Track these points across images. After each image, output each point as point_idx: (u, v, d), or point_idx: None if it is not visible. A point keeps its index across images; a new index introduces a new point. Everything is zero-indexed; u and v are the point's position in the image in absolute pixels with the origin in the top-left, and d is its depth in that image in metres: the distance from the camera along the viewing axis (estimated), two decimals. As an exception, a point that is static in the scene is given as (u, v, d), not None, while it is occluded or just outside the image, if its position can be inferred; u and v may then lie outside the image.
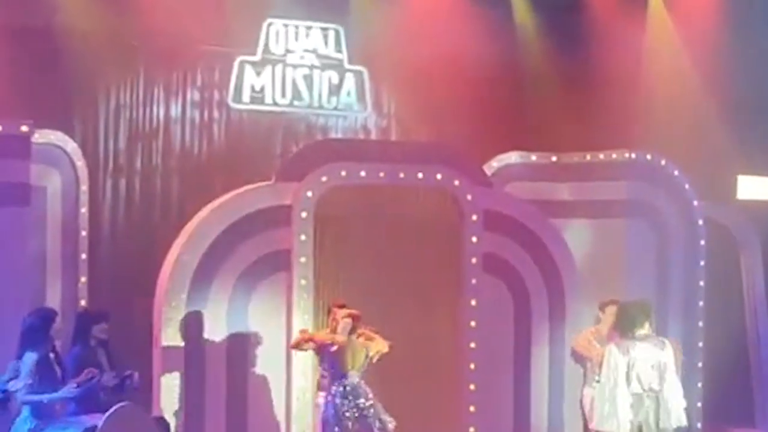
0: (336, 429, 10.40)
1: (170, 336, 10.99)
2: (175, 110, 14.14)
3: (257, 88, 14.37)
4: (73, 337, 10.40)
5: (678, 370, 10.64)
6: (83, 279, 12.77)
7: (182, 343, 11.03)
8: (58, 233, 12.66)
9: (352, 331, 10.55)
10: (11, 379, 9.18)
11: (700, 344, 13.30)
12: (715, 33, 15.12)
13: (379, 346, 10.62)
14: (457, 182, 11.95)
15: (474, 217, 11.99)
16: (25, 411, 9.50)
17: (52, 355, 9.69)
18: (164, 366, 10.98)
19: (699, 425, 13.22)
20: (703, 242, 13.35)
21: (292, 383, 11.34)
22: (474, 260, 11.98)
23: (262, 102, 14.40)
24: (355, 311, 10.65)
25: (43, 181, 12.46)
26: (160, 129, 14.07)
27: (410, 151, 12.24)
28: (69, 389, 9.36)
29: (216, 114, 14.32)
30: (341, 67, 14.72)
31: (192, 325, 11.06)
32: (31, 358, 9.43)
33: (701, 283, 13.32)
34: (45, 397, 9.37)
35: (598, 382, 10.57)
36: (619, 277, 12.21)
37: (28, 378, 9.28)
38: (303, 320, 11.31)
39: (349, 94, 14.78)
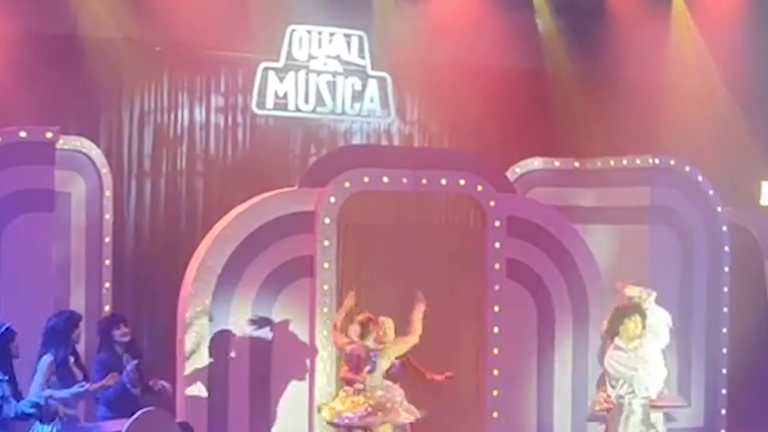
0: None
1: (194, 341, 11.01)
2: (198, 116, 14.20)
3: (280, 94, 14.40)
4: (99, 344, 10.47)
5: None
6: (107, 285, 12.83)
7: (206, 348, 11.04)
8: (83, 239, 12.73)
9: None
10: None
11: (724, 350, 13.26)
12: (739, 37, 15.09)
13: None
14: (480, 188, 11.95)
15: (497, 223, 11.97)
16: None
17: (72, 359, 9.74)
18: (188, 370, 10.99)
19: (723, 431, 13.19)
20: (727, 248, 13.30)
21: (315, 387, 11.34)
22: (497, 266, 11.96)
23: (285, 108, 14.42)
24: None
25: (67, 187, 12.54)
26: (184, 135, 14.12)
27: (433, 157, 12.24)
28: (78, 387, 9.42)
29: (240, 120, 14.36)
30: (364, 73, 14.73)
31: (216, 330, 11.08)
32: (46, 361, 9.48)
33: (725, 290, 13.28)
34: (63, 393, 9.41)
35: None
36: (642, 284, 12.14)
37: (42, 381, 9.34)
38: (326, 326, 11.33)
39: (372, 100, 14.79)
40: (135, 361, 9.95)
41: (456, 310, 11.90)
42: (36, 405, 9.11)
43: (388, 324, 10.75)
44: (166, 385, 10.27)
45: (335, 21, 14.49)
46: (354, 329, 10.63)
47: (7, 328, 9.25)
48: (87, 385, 9.46)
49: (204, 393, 11.03)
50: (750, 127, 15.19)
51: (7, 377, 9.13)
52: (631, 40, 14.95)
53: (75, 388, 9.41)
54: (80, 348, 10.25)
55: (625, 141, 14.13)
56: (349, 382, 10.60)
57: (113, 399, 9.94)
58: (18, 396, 9.20)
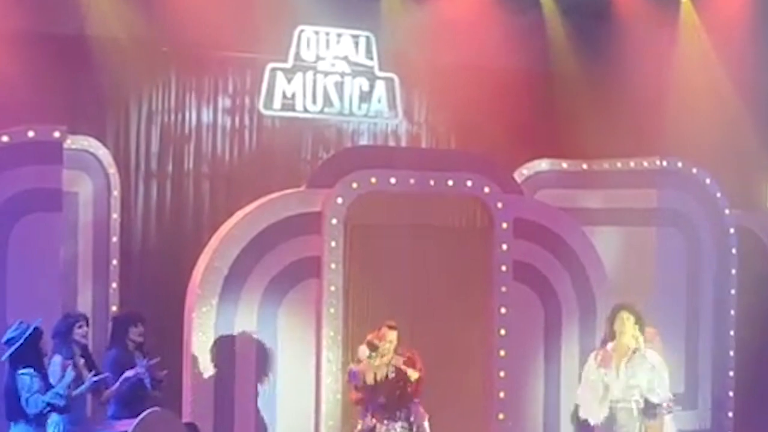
0: None
1: (200, 342, 11.02)
2: (206, 117, 14.22)
3: (288, 95, 14.41)
4: (110, 341, 10.47)
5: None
6: (114, 285, 12.85)
7: (212, 349, 11.05)
8: (90, 239, 12.74)
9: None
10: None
11: (732, 353, 13.24)
12: (746, 40, 15.08)
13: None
14: (487, 189, 11.94)
15: (504, 225, 11.96)
16: (56, 415, 9.58)
17: (81, 360, 9.77)
18: (194, 371, 11.00)
19: (730, 434, 13.20)
20: (734, 251, 13.29)
21: (321, 388, 11.35)
22: (504, 268, 11.95)
23: (293, 109, 14.44)
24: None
25: (74, 187, 12.55)
26: (191, 135, 14.15)
27: (440, 159, 12.24)
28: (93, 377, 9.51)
29: (247, 121, 14.38)
30: (372, 74, 14.74)
31: (222, 330, 11.08)
32: (57, 363, 9.53)
33: (732, 292, 13.26)
34: (79, 391, 9.49)
35: None
36: (649, 286, 12.15)
37: (65, 381, 9.40)
38: (332, 326, 11.32)
39: (379, 101, 14.81)
40: (155, 360, 10.00)
41: (462, 311, 11.88)
42: (60, 395, 9.19)
43: (391, 336, 10.53)
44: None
45: (343, 22, 14.51)
46: (362, 350, 10.53)
47: (36, 328, 9.32)
48: (100, 376, 9.54)
49: (210, 393, 11.03)
50: (758, 130, 15.18)
51: (39, 374, 9.21)
52: (638, 42, 14.94)
53: (90, 380, 9.50)
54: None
55: (633, 143, 14.11)
56: (359, 402, 10.56)
57: (128, 396, 9.98)
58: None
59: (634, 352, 10.32)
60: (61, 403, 9.24)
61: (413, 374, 10.39)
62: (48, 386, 9.28)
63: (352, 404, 10.80)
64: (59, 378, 9.46)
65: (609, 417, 10.33)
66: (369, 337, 10.54)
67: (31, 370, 9.19)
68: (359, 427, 10.60)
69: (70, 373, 9.36)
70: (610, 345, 10.39)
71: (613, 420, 10.32)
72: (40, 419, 9.28)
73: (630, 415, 10.32)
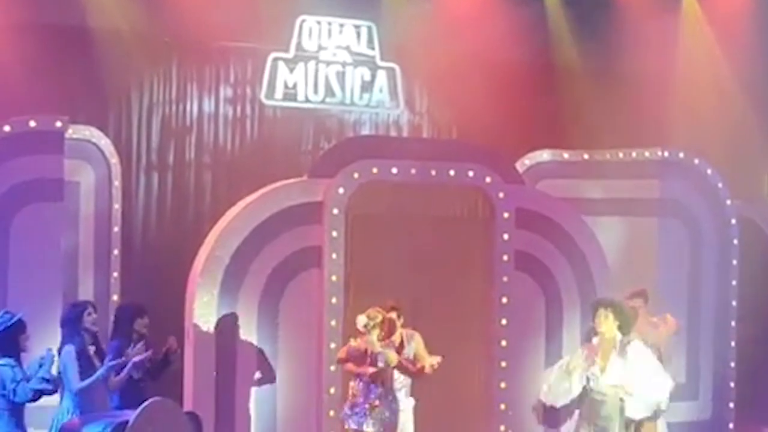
0: None
1: (202, 331, 11.02)
2: (208, 107, 14.23)
3: (290, 85, 14.42)
4: (113, 331, 10.49)
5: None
6: (115, 274, 12.86)
7: (213, 339, 11.06)
8: (91, 229, 12.76)
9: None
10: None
11: (733, 344, 13.25)
12: (748, 31, 15.08)
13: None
14: (488, 179, 11.93)
15: (506, 215, 11.96)
16: (67, 401, 9.60)
17: (92, 348, 9.78)
18: (195, 361, 11.01)
19: (731, 425, 13.18)
20: (735, 241, 13.29)
21: (322, 378, 11.35)
22: (505, 258, 11.95)
23: (294, 98, 14.44)
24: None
25: (76, 177, 12.57)
26: (193, 125, 14.16)
27: (442, 149, 12.23)
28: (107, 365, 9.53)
29: (249, 110, 14.39)
30: (373, 64, 14.74)
31: (223, 320, 11.09)
32: (70, 352, 9.55)
33: (734, 283, 13.26)
34: (95, 376, 9.49)
35: None
36: (651, 277, 12.13)
37: (76, 370, 9.41)
38: (333, 316, 11.32)
39: (381, 90, 14.81)
40: (139, 344, 10.02)
41: (464, 301, 11.89)
42: (46, 379, 9.16)
43: (399, 328, 10.55)
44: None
45: (345, 12, 14.51)
46: (360, 319, 10.50)
47: (19, 320, 9.27)
48: (114, 362, 9.56)
49: (211, 382, 11.04)
50: (759, 120, 15.18)
51: (17, 365, 9.18)
52: (640, 33, 14.94)
53: (104, 367, 9.51)
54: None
55: (634, 133, 14.12)
56: (357, 375, 10.56)
57: (124, 388, 9.99)
58: None
59: (621, 344, 10.25)
60: (49, 387, 9.17)
61: (393, 358, 10.37)
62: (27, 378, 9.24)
63: (342, 367, 10.78)
64: (72, 369, 9.47)
65: (591, 409, 10.24)
66: (369, 310, 10.50)
67: (11, 360, 9.13)
68: (350, 397, 10.59)
69: (50, 356, 9.29)
70: (595, 340, 10.37)
71: (595, 413, 10.21)
72: (17, 413, 9.22)
73: (614, 409, 10.22)
